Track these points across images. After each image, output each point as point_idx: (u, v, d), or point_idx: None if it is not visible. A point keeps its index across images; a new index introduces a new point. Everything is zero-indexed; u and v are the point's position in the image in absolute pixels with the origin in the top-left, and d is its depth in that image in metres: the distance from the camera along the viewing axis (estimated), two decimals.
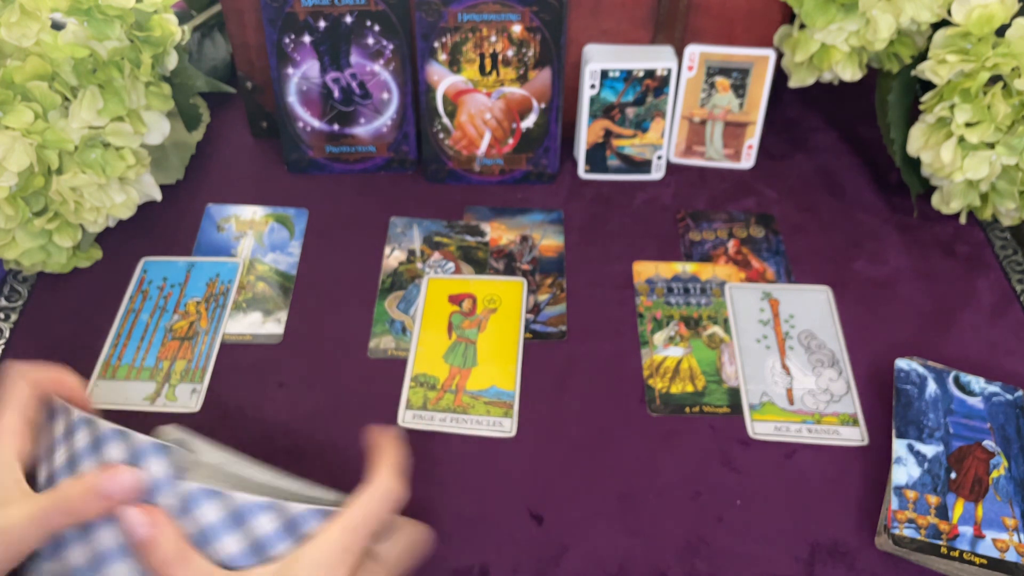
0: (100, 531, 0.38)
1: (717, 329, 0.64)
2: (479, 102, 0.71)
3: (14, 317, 0.64)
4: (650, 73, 0.70)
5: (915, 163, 0.71)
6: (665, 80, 0.71)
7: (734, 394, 0.60)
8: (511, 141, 0.73)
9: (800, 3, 0.66)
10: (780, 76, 0.75)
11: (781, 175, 0.77)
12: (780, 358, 0.62)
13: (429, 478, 0.55)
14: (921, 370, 0.59)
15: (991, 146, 0.62)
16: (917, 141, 0.67)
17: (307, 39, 0.68)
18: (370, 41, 0.69)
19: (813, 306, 0.66)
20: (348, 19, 0.67)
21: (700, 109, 0.75)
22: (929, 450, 0.54)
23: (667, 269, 0.68)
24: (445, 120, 0.72)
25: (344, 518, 0.40)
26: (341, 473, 0.55)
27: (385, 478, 0.43)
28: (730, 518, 0.54)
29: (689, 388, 0.61)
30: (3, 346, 0.62)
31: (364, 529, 0.40)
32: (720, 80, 0.73)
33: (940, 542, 0.50)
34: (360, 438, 0.57)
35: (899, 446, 0.55)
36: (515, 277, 0.68)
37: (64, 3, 0.57)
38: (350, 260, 0.69)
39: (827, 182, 0.77)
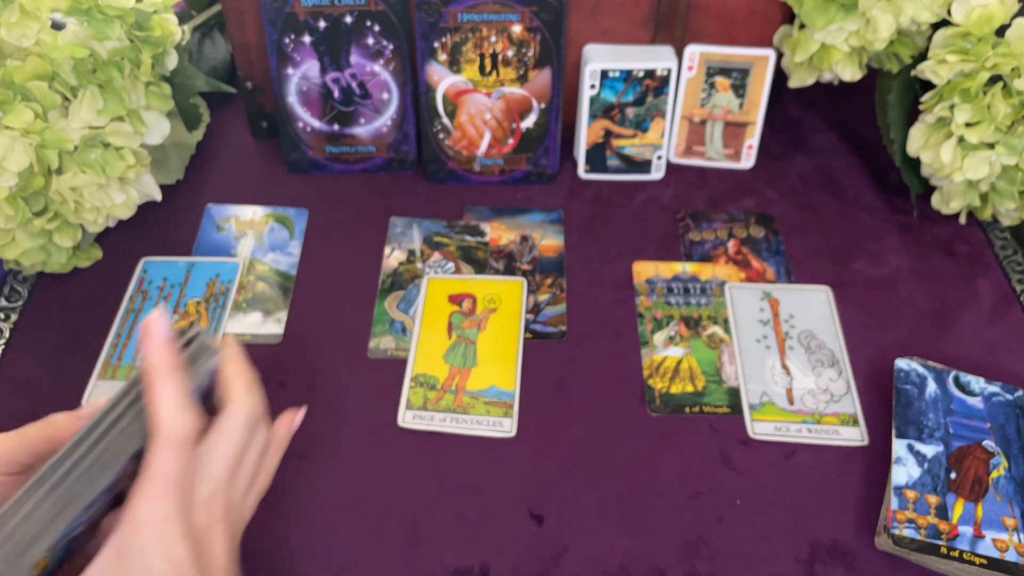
0: None
1: (717, 329, 0.64)
2: (479, 102, 0.71)
3: (14, 317, 0.64)
4: (650, 73, 0.71)
5: (915, 163, 0.71)
6: (665, 80, 0.71)
7: (734, 394, 0.60)
8: (511, 141, 0.73)
9: (800, 3, 0.66)
10: (780, 76, 0.75)
11: (781, 175, 0.77)
12: (780, 358, 0.62)
13: (429, 478, 0.55)
14: (921, 370, 0.59)
15: (991, 146, 0.62)
16: (917, 141, 0.67)
17: (307, 39, 0.68)
18: (370, 41, 0.69)
19: (813, 306, 0.66)
20: (348, 19, 0.67)
21: (700, 109, 0.75)
22: (929, 450, 0.54)
23: (667, 269, 0.68)
24: (445, 120, 0.72)
25: (160, 474, 0.37)
26: (342, 474, 0.55)
27: (242, 403, 0.40)
28: (730, 518, 0.54)
29: (689, 388, 0.61)
30: (3, 346, 0.62)
31: (195, 483, 0.38)
32: (720, 80, 0.73)
33: (940, 542, 0.50)
34: (360, 440, 0.58)
35: (899, 446, 0.55)
36: (515, 277, 0.68)
37: (64, 3, 0.57)
38: (350, 260, 0.69)
39: (827, 182, 0.77)
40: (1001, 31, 0.62)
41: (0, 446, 0.40)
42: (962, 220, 0.70)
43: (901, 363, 0.59)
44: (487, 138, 0.73)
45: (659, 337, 0.64)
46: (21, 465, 0.41)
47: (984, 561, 0.50)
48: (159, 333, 0.39)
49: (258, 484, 0.44)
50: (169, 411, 0.37)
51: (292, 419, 0.47)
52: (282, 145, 0.74)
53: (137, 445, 0.38)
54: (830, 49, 0.68)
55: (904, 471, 0.53)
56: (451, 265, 0.68)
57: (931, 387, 0.58)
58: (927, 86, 0.67)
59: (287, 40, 0.68)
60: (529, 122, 0.72)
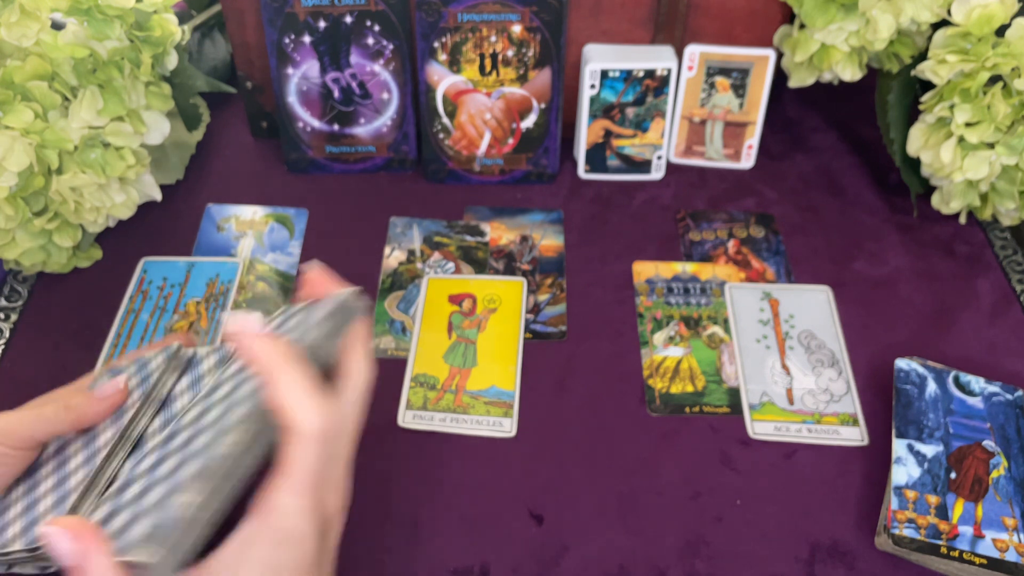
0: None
1: (717, 329, 0.64)
2: (479, 102, 0.71)
3: (14, 317, 0.64)
4: (650, 73, 0.71)
5: (915, 163, 0.71)
6: (665, 80, 0.71)
7: (734, 394, 0.60)
8: (511, 141, 0.73)
9: (800, 3, 0.66)
10: (780, 76, 0.75)
11: (781, 175, 0.77)
12: (780, 358, 0.62)
13: (429, 478, 0.55)
14: (921, 370, 0.59)
15: (991, 146, 0.62)
16: (917, 141, 0.67)
17: (307, 39, 0.68)
18: (370, 41, 0.69)
19: (813, 306, 0.66)
20: (348, 19, 0.67)
21: (700, 109, 0.75)
22: (929, 450, 0.54)
23: (667, 269, 0.68)
24: (445, 120, 0.72)
25: (301, 469, 0.35)
26: None
27: (362, 374, 0.38)
28: (730, 518, 0.54)
29: (689, 388, 0.61)
30: (3, 346, 0.62)
31: (328, 470, 0.37)
32: (720, 80, 0.73)
33: (940, 542, 0.50)
34: (360, 439, 0.57)
35: (899, 446, 0.55)
36: (515, 277, 0.68)
37: (64, 3, 0.57)
38: (350, 260, 0.69)
39: (827, 182, 0.77)
40: (1001, 31, 0.62)
41: (15, 422, 0.41)
42: (962, 220, 0.70)
43: (901, 363, 0.59)
44: (487, 138, 0.73)
45: (659, 337, 0.64)
46: (35, 441, 0.42)
47: (984, 561, 0.50)
48: (253, 325, 0.37)
49: None
50: (301, 405, 0.35)
51: None
52: (282, 145, 0.74)
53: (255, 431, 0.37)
54: (830, 49, 0.68)
55: (904, 471, 0.53)
56: (451, 265, 0.68)
57: (931, 387, 0.58)
58: (927, 86, 0.67)
59: (287, 40, 0.68)
60: (529, 122, 0.72)
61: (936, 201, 0.70)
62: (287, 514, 0.35)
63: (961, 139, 0.63)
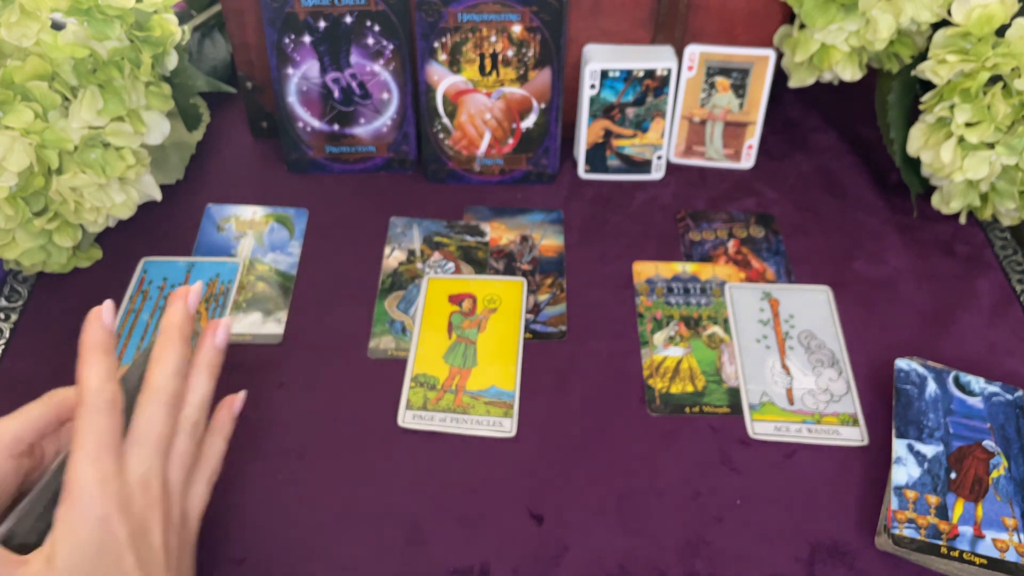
0: None
1: (717, 329, 0.64)
2: (479, 102, 0.71)
3: (14, 317, 0.64)
4: (650, 73, 0.71)
5: (915, 163, 0.71)
6: (665, 80, 0.71)
7: (734, 394, 0.60)
8: (511, 141, 0.73)
9: (800, 3, 0.66)
10: (780, 76, 0.75)
11: (781, 175, 0.77)
12: (780, 358, 0.62)
13: (429, 478, 0.55)
14: (921, 370, 0.59)
15: (991, 146, 0.62)
16: (917, 141, 0.67)
17: (307, 39, 0.68)
18: (370, 41, 0.69)
19: (813, 306, 0.66)
20: (348, 19, 0.67)
21: (700, 109, 0.75)
22: (929, 450, 0.54)
23: (667, 269, 0.68)
24: (445, 120, 0.72)
25: (96, 435, 0.38)
26: (342, 474, 0.55)
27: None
28: (730, 518, 0.54)
29: (689, 388, 0.61)
30: (3, 346, 0.62)
31: (140, 459, 0.39)
32: (720, 80, 0.73)
33: (940, 542, 0.50)
34: (360, 440, 0.57)
35: (899, 446, 0.55)
36: (515, 277, 0.68)
37: (64, 3, 0.57)
38: (350, 260, 0.69)
39: (827, 182, 0.77)
40: (1001, 31, 0.62)
41: (4, 429, 0.41)
42: (962, 220, 0.70)
43: (901, 363, 0.59)
44: (487, 138, 0.73)
45: (659, 337, 0.64)
46: (25, 444, 0.41)
47: (984, 561, 0.50)
48: (102, 317, 0.41)
49: (204, 468, 0.44)
50: (94, 380, 0.38)
51: (233, 403, 0.47)
52: (282, 145, 0.74)
53: None
54: (830, 49, 0.68)
55: (904, 471, 0.54)
56: (451, 265, 0.68)
57: (931, 387, 0.58)
58: (927, 86, 0.67)
59: (287, 40, 0.68)
60: (529, 122, 0.72)
61: (936, 201, 0.70)
62: (83, 486, 0.37)
63: (961, 139, 0.63)
